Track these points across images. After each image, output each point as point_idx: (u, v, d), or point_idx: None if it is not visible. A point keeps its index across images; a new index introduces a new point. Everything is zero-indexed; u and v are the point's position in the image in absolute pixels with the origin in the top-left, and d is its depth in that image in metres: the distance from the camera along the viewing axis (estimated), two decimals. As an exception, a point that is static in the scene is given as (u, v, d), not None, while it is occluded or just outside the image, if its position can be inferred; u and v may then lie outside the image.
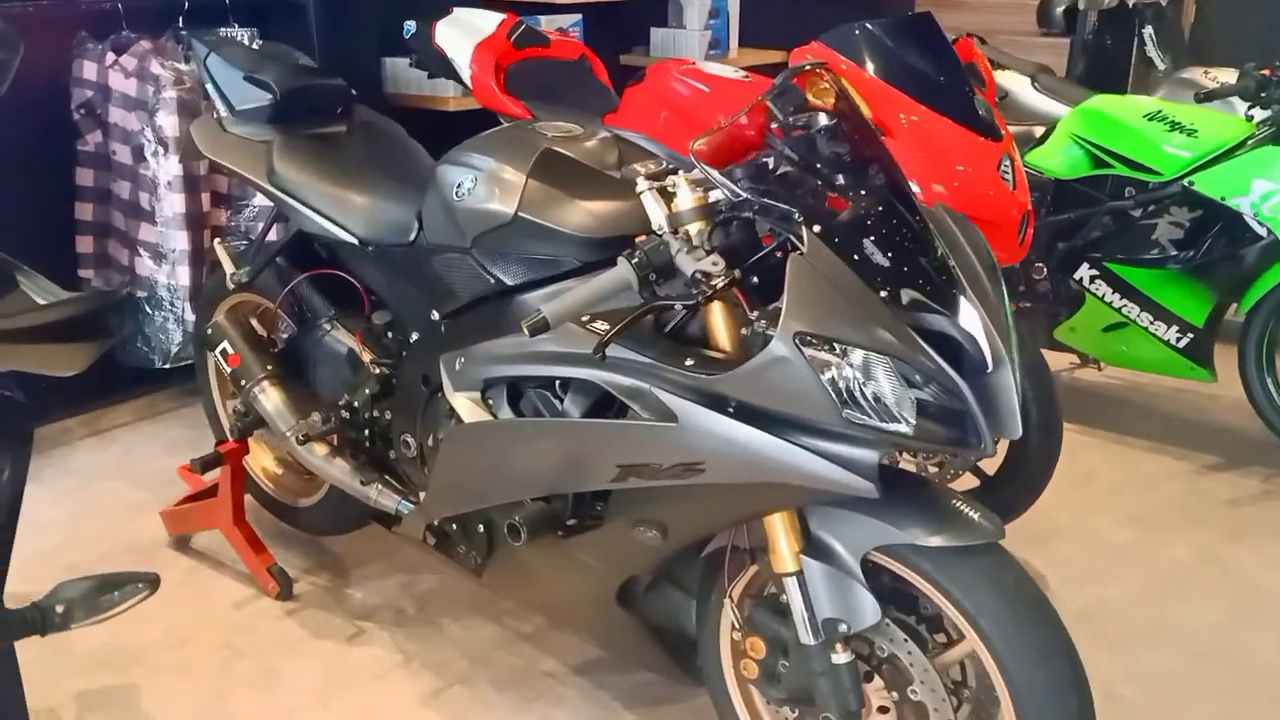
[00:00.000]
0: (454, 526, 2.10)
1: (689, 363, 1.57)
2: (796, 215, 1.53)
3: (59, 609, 1.71)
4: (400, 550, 2.68)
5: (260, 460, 2.80)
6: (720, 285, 1.54)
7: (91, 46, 3.26)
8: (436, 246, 2.04)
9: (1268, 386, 3.29)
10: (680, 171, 1.71)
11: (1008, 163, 2.56)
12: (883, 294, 1.49)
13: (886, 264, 1.52)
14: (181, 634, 2.47)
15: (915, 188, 1.62)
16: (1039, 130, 3.58)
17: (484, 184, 1.91)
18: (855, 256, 1.51)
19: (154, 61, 3.18)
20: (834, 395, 1.45)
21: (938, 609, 1.70)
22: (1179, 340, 3.28)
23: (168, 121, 3.16)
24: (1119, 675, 2.34)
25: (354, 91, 2.60)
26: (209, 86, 2.54)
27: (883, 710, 1.75)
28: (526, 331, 1.54)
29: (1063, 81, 4.19)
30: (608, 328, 1.69)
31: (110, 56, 3.22)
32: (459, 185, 1.95)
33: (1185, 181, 3.15)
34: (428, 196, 2.07)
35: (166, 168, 3.19)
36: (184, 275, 3.27)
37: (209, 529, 2.74)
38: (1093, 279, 3.36)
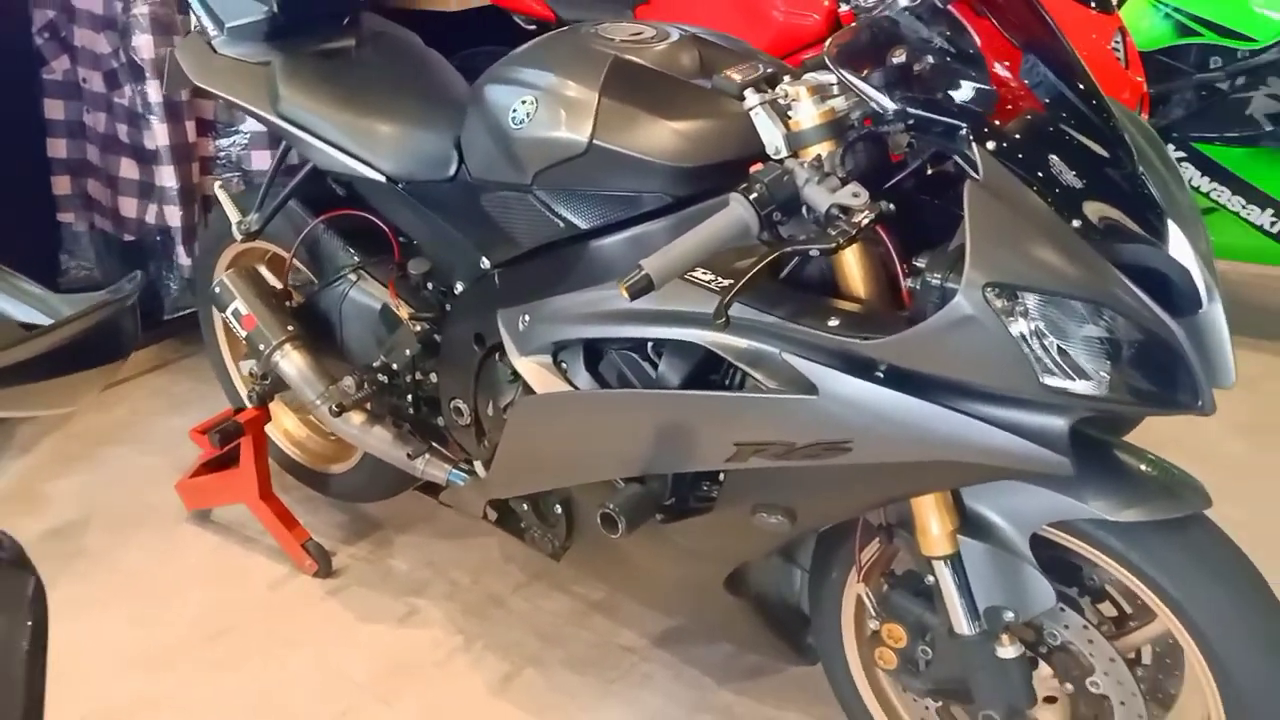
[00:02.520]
0: (524, 506, 1.82)
1: (833, 323, 1.27)
2: (964, 130, 1.21)
3: None
4: (444, 509, 2.41)
5: (282, 423, 2.51)
6: (865, 222, 1.24)
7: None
8: (486, 183, 1.70)
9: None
10: (789, 77, 1.39)
11: (1119, 38, 2.26)
12: (1075, 223, 1.19)
13: (1078, 184, 1.21)
14: (219, 623, 2.22)
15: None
16: (1114, -2, 3.27)
17: (546, 107, 1.57)
18: (1040, 175, 1.20)
19: (121, -27, 2.82)
20: (1032, 359, 1.16)
21: (1105, 579, 1.45)
22: (1274, 225, 3.01)
23: (142, 42, 2.80)
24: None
25: (359, -4, 2.23)
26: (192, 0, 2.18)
27: (1049, 700, 1.50)
28: (625, 294, 1.23)
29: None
30: (714, 277, 1.39)
31: (70, -31, 2.86)
32: (513, 110, 1.61)
33: (1283, 48, 2.86)
34: (469, 123, 1.74)
35: (144, 95, 2.83)
36: (174, 215, 2.96)
37: (232, 503, 2.47)
38: (1178, 160, 3.06)
